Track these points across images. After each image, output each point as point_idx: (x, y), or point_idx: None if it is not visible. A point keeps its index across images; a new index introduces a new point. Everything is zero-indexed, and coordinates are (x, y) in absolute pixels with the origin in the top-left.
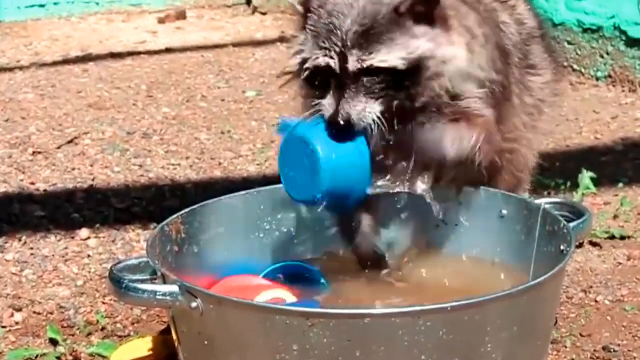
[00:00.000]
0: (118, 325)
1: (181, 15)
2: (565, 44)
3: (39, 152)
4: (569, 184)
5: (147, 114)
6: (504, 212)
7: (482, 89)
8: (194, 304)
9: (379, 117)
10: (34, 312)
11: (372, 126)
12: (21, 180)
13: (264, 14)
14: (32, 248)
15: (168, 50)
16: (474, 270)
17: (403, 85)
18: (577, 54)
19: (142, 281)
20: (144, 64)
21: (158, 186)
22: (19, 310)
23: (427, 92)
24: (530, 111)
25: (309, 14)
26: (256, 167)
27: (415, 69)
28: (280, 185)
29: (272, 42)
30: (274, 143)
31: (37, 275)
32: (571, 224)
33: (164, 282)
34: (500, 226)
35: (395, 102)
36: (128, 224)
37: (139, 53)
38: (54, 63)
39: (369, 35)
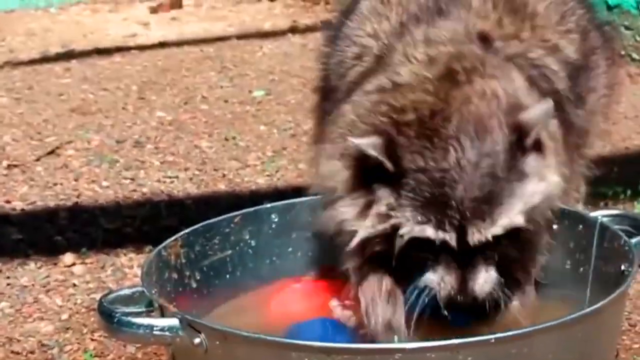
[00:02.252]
0: None
1: (177, 4)
2: (623, 29)
3: (15, 166)
4: (629, 192)
5: (139, 119)
6: (555, 226)
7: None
8: (197, 340)
9: (497, 283)
10: (12, 352)
11: (491, 295)
12: None
13: (272, 0)
14: (8, 277)
15: (162, 44)
16: None
17: (520, 244)
18: (636, 40)
19: (137, 314)
20: (135, 61)
21: (153, 203)
22: None
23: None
24: (580, 134)
25: (404, 179)
26: (266, 179)
27: (531, 220)
28: (295, 200)
29: (282, 33)
30: (285, 150)
31: (15, 308)
32: (633, 240)
33: (162, 315)
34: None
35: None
36: (119, 248)
37: (129, 48)
38: (31, 61)
39: (489, 199)
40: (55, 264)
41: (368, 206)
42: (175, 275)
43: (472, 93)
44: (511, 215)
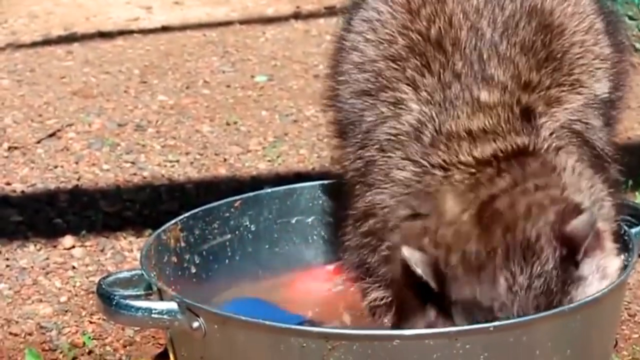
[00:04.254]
0: (107, 348)
1: None
2: (627, 19)
3: (16, 148)
4: (630, 182)
5: (140, 102)
6: None
7: None
8: (195, 324)
9: None
10: (10, 334)
11: None
12: None
13: None
14: (7, 259)
15: (165, 28)
16: None
17: None
18: None
19: (136, 297)
20: (137, 44)
21: (154, 187)
22: None
23: None
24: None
25: (454, 309)
26: (267, 164)
27: None
28: (296, 185)
29: (285, 18)
30: (287, 136)
31: (14, 290)
32: (633, 230)
33: (161, 299)
34: None
35: None
36: (119, 231)
37: (131, 32)
38: (33, 44)
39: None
40: (55, 246)
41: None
42: (174, 259)
43: (515, 218)
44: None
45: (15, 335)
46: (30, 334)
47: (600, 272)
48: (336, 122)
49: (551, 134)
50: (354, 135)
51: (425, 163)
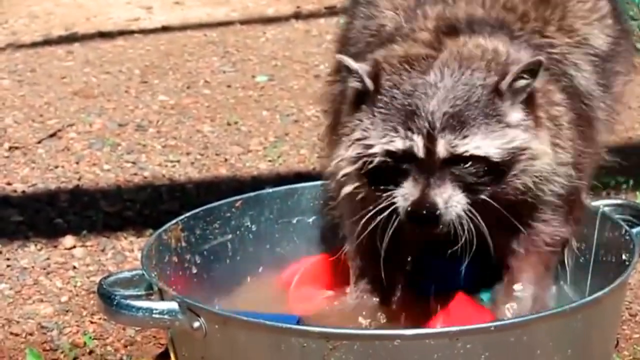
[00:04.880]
0: (108, 348)
1: None
2: (629, 20)
3: (17, 148)
4: (631, 182)
5: (141, 102)
6: None
7: (561, 190)
8: (196, 324)
9: (466, 212)
10: (11, 334)
11: (458, 221)
12: None
13: None
14: (8, 259)
15: (165, 28)
16: None
17: (490, 179)
18: None
19: (137, 297)
20: (138, 44)
21: (154, 187)
22: None
23: (511, 189)
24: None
25: (379, 97)
26: (268, 164)
27: (507, 162)
28: (297, 185)
29: (286, 18)
30: (288, 136)
31: (15, 290)
32: (634, 230)
33: (162, 299)
34: None
35: (482, 197)
36: (120, 231)
37: (131, 32)
38: (34, 44)
39: (461, 118)
40: (56, 246)
41: (351, 132)
42: (175, 259)
43: (470, 42)
44: (485, 143)
45: (16, 335)
46: (31, 334)
47: (526, 132)
48: None
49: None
50: None
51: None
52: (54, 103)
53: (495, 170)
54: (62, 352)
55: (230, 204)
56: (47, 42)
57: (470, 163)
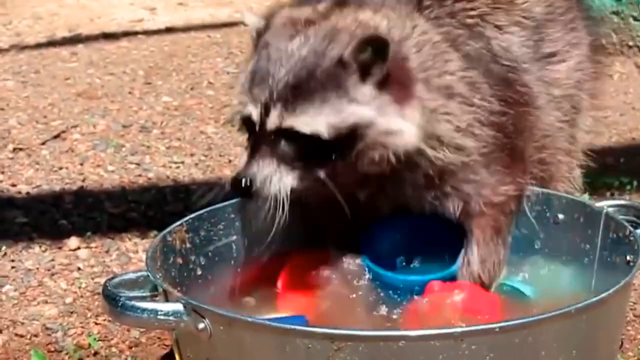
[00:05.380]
0: (113, 349)
1: None
2: (631, 20)
3: (21, 149)
4: (635, 183)
5: (145, 104)
6: (561, 217)
7: (465, 157)
8: (201, 325)
9: (287, 192)
10: (16, 335)
11: (279, 198)
12: (0, 181)
13: None
14: (13, 260)
15: (169, 29)
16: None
17: (325, 155)
18: None
19: (141, 299)
20: (142, 45)
21: (159, 188)
22: None
23: (367, 162)
24: (561, 105)
25: (252, 61)
26: None
27: (343, 139)
28: None
29: None
30: None
31: (19, 292)
32: (638, 231)
33: (167, 300)
34: (557, 234)
35: (317, 175)
36: (124, 232)
37: (135, 33)
38: (38, 45)
39: (300, 89)
40: (60, 247)
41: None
42: (180, 260)
43: (350, 15)
44: (315, 120)
45: (21, 336)
46: (35, 335)
47: (378, 109)
48: None
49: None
50: None
51: None
52: (58, 104)
53: (329, 147)
54: (66, 354)
55: (234, 205)
56: (51, 43)
57: (299, 139)
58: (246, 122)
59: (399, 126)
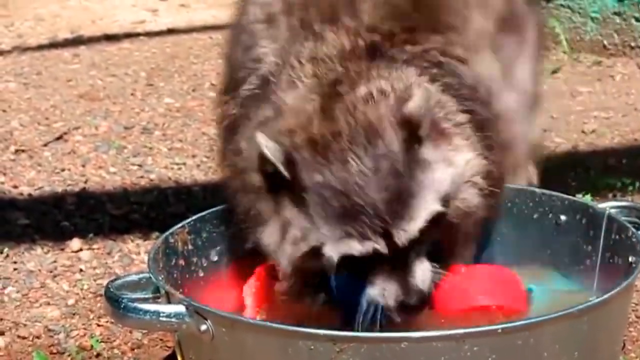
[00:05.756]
0: (115, 351)
1: None
2: (633, 20)
3: (23, 151)
4: (637, 184)
5: (147, 105)
6: (562, 218)
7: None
8: (203, 327)
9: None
10: (19, 337)
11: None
12: (2, 183)
13: None
14: (15, 262)
15: (171, 31)
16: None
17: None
18: None
19: (144, 300)
20: (144, 47)
21: (161, 189)
22: (1, 334)
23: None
24: (524, 109)
25: (307, 196)
26: None
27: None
28: None
29: None
30: None
31: (22, 293)
32: None
33: (169, 302)
34: (558, 235)
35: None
36: (126, 234)
37: (137, 35)
38: (40, 47)
39: (401, 197)
40: (62, 249)
41: (284, 231)
42: (182, 262)
43: (356, 100)
44: (428, 206)
45: (24, 338)
46: (38, 337)
47: (446, 160)
48: None
49: (404, 60)
50: None
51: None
52: (59, 106)
53: (445, 216)
54: (69, 355)
55: None
56: (53, 45)
57: (426, 230)
58: (361, 257)
59: (464, 158)
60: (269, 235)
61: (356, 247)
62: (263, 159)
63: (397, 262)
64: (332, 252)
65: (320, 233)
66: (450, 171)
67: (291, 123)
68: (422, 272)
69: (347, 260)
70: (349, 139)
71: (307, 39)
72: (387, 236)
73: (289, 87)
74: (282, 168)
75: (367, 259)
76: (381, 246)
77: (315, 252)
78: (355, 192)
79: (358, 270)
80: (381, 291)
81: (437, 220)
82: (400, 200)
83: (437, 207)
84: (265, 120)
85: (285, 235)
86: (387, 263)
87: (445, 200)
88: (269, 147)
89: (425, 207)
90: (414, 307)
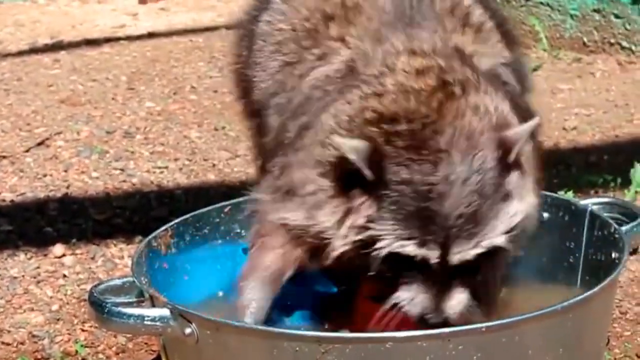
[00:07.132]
0: (100, 355)
1: None
2: (612, 17)
3: (4, 157)
4: (619, 180)
5: (128, 109)
6: (545, 215)
7: None
8: (188, 330)
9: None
10: (3, 343)
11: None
12: None
13: None
14: None
15: (151, 35)
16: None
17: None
18: (626, 29)
19: (128, 304)
20: (124, 51)
21: (143, 193)
22: None
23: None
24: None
25: (385, 191)
26: None
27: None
28: None
29: None
30: None
31: (5, 299)
32: (623, 228)
33: (153, 305)
34: (541, 233)
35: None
36: (109, 239)
37: (117, 39)
38: (20, 53)
39: (475, 218)
40: (45, 255)
41: (346, 215)
42: (165, 265)
43: (467, 107)
44: (494, 236)
45: (8, 344)
46: (22, 343)
47: (519, 195)
48: None
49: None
50: None
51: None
52: (41, 111)
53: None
54: None
55: (219, 209)
56: (33, 50)
57: (480, 260)
58: (408, 259)
59: (533, 201)
60: (326, 214)
61: (411, 250)
62: (342, 158)
63: (439, 279)
64: (386, 247)
65: (384, 227)
66: (523, 208)
67: (398, 107)
68: (458, 301)
69: (392, 259)
70: (449, 141)
71: (395, 31)
72: (444, 250)
73: (385, 74)
74: (364, 169)
75: (413, 264)
76: (433, 258)
77: (369, 243)
78: (435, 198)
79: (396, 271)
80: (411, 298)
81: (493, 254)
82: (474, 220)
83: (501, 240)
84: (366, 96)
85: (345, 220)
86: (429, 276)
87: (510, 237)
88: (351, 147)
89: (491, 237)
90: (433, 325)
